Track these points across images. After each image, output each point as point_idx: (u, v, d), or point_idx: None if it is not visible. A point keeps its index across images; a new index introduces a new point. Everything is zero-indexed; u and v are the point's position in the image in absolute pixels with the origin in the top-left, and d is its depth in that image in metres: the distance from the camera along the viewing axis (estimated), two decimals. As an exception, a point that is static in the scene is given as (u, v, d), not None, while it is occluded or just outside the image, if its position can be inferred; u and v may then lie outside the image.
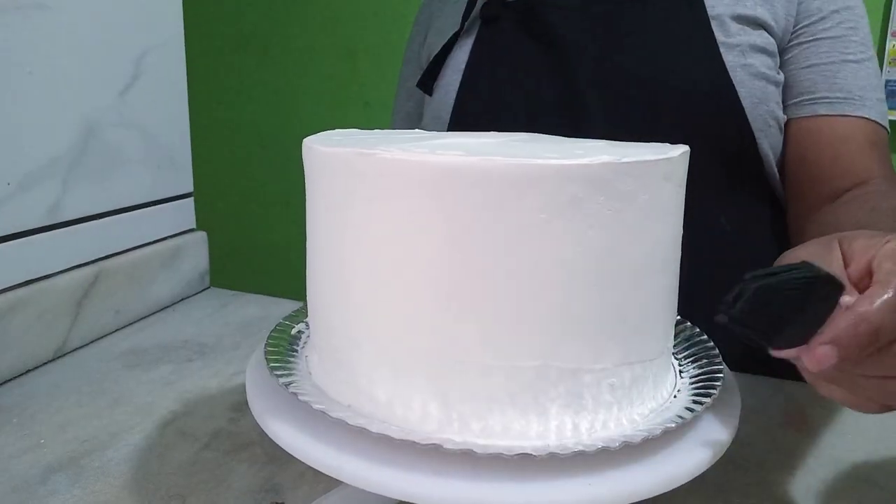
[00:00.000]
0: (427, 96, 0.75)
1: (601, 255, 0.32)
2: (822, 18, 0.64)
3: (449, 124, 0.72)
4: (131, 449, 0.48)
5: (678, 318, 0.43)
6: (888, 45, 1.51)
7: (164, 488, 0.43)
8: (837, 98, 0.63)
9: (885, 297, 0.29)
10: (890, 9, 1.50)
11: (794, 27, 0.65)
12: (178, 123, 0.80)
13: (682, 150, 0.36)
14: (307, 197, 0.39)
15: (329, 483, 0.41)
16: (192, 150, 0.83)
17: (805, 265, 0.29)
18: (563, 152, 0.33)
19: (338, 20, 1.89)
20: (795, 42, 0.65)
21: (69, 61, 0.64)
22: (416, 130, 0.47)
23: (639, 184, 0.32)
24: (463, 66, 0.71)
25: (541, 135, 0.47)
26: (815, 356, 0.29)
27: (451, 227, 0.31)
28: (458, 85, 0.71)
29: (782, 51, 0.65)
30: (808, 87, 0.64)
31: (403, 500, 0.31)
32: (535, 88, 0.67)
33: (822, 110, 0.63)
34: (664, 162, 0.34)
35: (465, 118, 0.71)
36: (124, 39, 0.71)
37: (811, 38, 0.64)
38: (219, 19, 1.99)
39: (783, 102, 0.66)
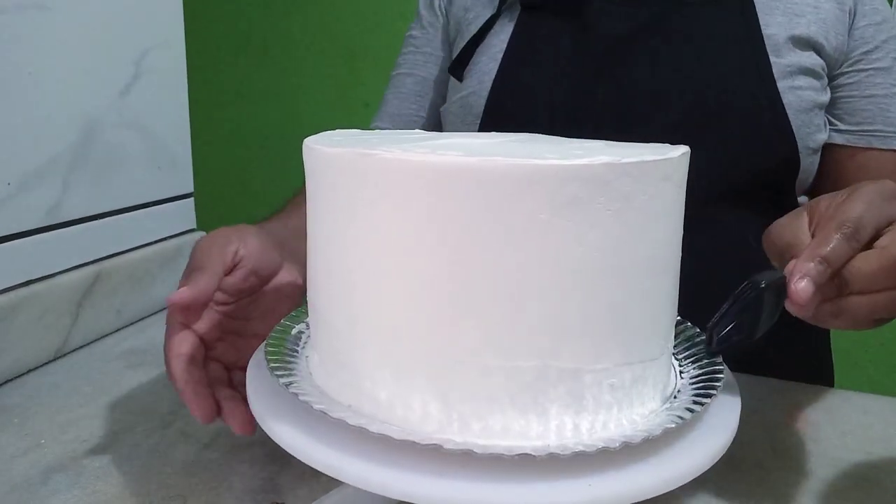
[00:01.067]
0: (456, 81, 0.71)
1: (601, 256, 0.32)
2: (877, 48, 0.65)
3: (482, 115, 0.68)
4: (132, 449, 0.48)
5: (678, 318, 0.43)
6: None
7: (164, 488, 0.43)
8: (889, 132, 0.65)
9: (826, 230, 0.37)
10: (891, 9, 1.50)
11: (849, 52, 0.65)
12: (179, 124, 0.81)
13: (681, 150, 0.36)
14: (307, 198, 0.39)
15: (329, 483, 0.41)
16: (193, 150, 0.83)
17: (750, 282, 0.36)
18: (563, 153, 0.33)
19: (338, 21, 1.89)
20: (854, 69, 0.65)
21: (69, 61, 0.64)
22: (417, 131, 0.47)
23: (638, 184, 0.32)
24: (500, 55, 0.68)
25: (540, 135, 0.47)
26: (797, 294, 0.35)
27: (450, 228, 0.31)
28: (493, 74, 0.67)
29: (837, 74, 0.66)
30: (868, 117, 0.65)
31: (404, 500, 0.31)
32: (579, 86, 0.65)
33: (877, 144, 0.65)
34: (664, 162, 0.34)
35: (501, 110, 0.67)
36: (124, 39, 0.71)
37: (869, 66, 0.65)
38: (219, 20, 1.99)
39: (836, 125, 0.66)
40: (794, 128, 0.61)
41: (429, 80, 0.78)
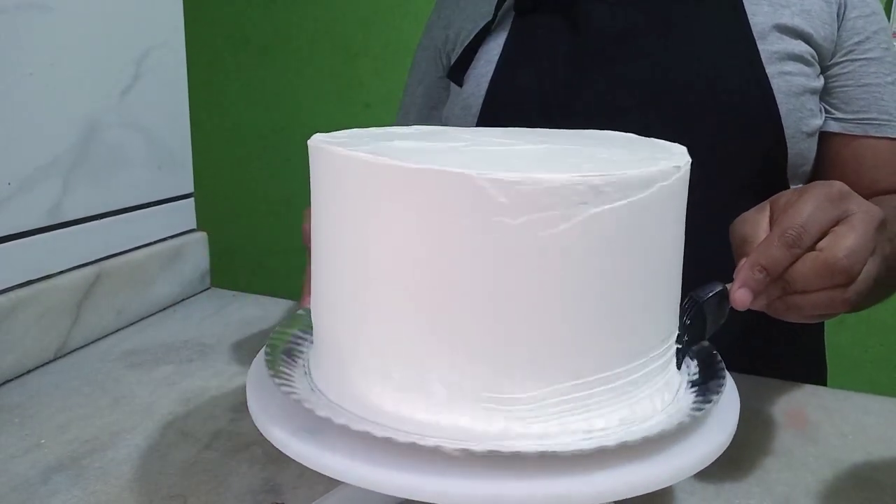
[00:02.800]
0: (456, 87, 0.74)
1: (590, 263, 0.32)
2: (868, 38, 0.66)
3: (479, 117, 0.70)
4: (132, 449, 0.48)
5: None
6: (888, 46, 1.51)
7: (164, 488, 0.43)
8: (883, 120, 0.66)
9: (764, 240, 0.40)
10: (890, 10, 1.50)
11: (842, 42, 0.66)
12: (179, 124, 0.81)
13: (683, 159, 0.36)
14: (311, 196, 0.39)
15: (329, 483, 0.41)
16: (193, 150, 0.83)
17: (691, 297, 0.40)
18: (570, 164, 0.33)
19: (338, 21, 1.89)
20: (848, 58, 0.66)
21: (70, 62, 0.64)
22: (457, 128, 0.47)
23: (628, 191, 0.32)
24: (496, 58, 0.70)
25: (546, 132, 0.47)
26: (736, 302, 0.40)
27: (446, 234, 0.32)
28: (490, 76, 0.70)
29: (832, 64, 0.67)
30: (863, 106, 0.66)
31: (405, 497, 0.31)
32: (571, 82, 0.66)
33: (872, 132, 0.66)
34: (658, 173, 0.33)
35: (497, 111, 0.69)
36: (125, 40, 0.71)
37: (861, 56, 0.66)
38: (219, 20, 1.99)
39: (833, 114, 0.67)
40: (783, 112, 0.63)
41: (422, 101, 0.83)
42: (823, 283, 0.39)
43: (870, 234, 0.39)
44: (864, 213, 0.40)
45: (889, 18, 1.51)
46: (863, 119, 0.66)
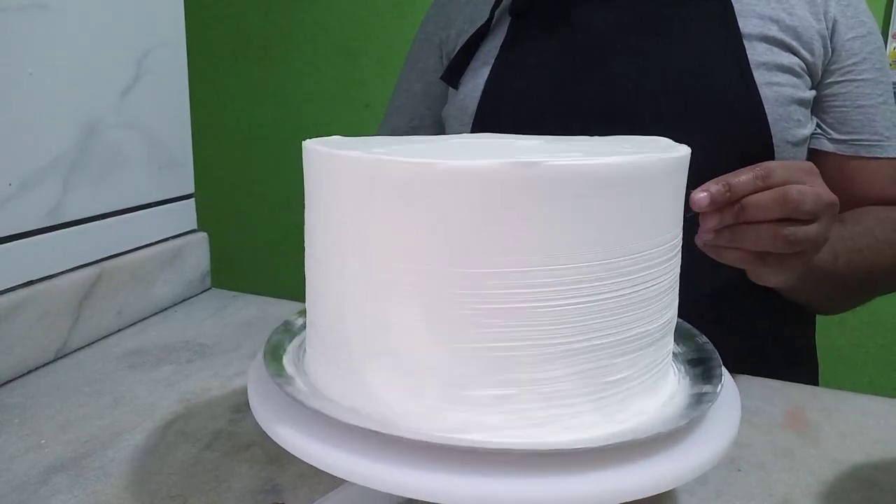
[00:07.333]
0: (451, 88, 0.75)
1: (596, 256, 0.32)
2: (864, 59, 0.67)
3: (475, 117, 0.71)
4: (132, 449, 0.48)
5: (679, 320, 0.43)
6: (889, 48, 1.51)
7: (164, 489, 0.43)
8: (874, 141, 0.68)
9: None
10: (891, 11, 1.50)
11: (839, 62, 0.67)
12: (180, 124, 0.81)
13: (682, 150, 0.37)
14: (306, 200, 0.39)
15: (329, 484, 0.41)
16: (193, 150, 0.83)
17: None
18: (559, 152, 0.33)
19: (338, 22, 1.89)
20: (846, 79, 0.67)
21: (70, 62, 0.64)
22: (425, 137, 0.47)
23: (635, 184, 0.32)
24: (493, 60, 0.71)
25: (543, 136, 0.47)
26: (694, 202, 0.43)
27: (439, 229, 0.32)
28: (486, 78, 0.71)
29: (830, 82, 0.67)
30: (857, 127, 0.68)
31: (409, 496, 0.31)
32: (567, 84, 0.67)
33: (863, 152, 0.68)
34: (663, 162, 0.34)
35: (492, 112, 0.70)
36: (126, 40, 0.71)
37: (858, 77, 0.67)
38: (220, 20, 2.00)
39: (829, 134, 0.68)
40: (770, 120, 0.63)
41: (419, 95, 0.83)
42: (773, 212, 0.44)
43: (821, 203, 0.45)
44: (821, 188, 0.46)
45: (889, 20, 1.51)
46: (855, 140, 0.68)
